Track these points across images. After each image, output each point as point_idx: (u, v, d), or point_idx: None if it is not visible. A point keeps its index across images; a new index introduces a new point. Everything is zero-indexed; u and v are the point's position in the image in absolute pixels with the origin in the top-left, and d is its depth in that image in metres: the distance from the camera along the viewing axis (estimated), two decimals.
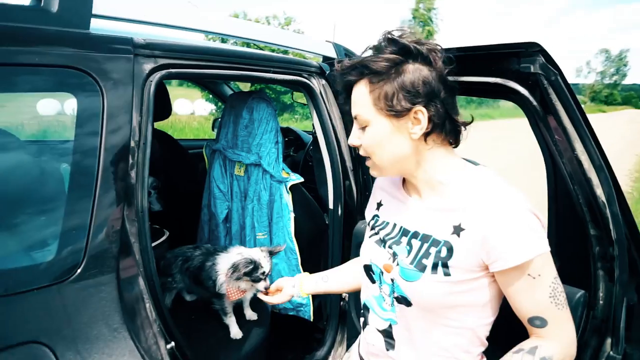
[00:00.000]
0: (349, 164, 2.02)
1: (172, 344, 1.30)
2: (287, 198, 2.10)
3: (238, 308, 2.06)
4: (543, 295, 0.91)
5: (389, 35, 0.95)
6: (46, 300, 1.02)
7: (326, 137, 1.97)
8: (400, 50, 0.92)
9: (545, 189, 1.29)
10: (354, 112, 1.00)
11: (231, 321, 1.95)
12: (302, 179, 2.13)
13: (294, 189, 2.12)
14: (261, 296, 1.51)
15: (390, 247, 1.05)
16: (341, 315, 2.11)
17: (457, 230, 0.93)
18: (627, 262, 1.08)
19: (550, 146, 1.11)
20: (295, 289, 1.44)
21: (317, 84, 1.95)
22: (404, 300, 1.00)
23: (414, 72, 0.92)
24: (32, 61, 1.10)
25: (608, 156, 1.07)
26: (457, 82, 0.99)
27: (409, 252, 1.00)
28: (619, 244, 1.06)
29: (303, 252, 2.14)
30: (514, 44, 1.07)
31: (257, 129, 2.11)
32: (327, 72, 1.97)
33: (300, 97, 3.23)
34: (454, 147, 1.02)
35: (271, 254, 1.80)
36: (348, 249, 1.98)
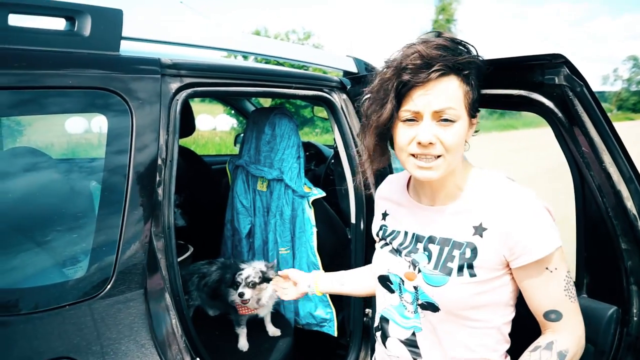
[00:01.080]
0: (370, 178, 2.02)
1: (198, 359, 1.31)
2: (310, 213, 2.10)
3: (261, 323, 2.06)
4: (559, 288, 0.95)
5: (469, 44, 0.97)
6: (77, 316, 1.05)
7: (347, 151, 1.97)
8: (474, 54, 0.96)
9: (569, 200, 1.27)
10: (441, 105, 0.91)
11: (242, 332, 1.98)
12: (324, 194, 2.13)
13: (316, 203, 2.13)
14: (272, 285, 1.58)
15: (407, 255, 1.06)
16: (364, 330, 2.08)
17: (479, 230, 0.96)
18: None
19: (577, 158, 1.09)
20: (310, 288, 1.45)
21: (338, 99, 1.96)
22: (430, 307, 1.00)
23: (480, 82, 0.98)
24: (65, 84, 1.14)
25: (638, 167, 1.04)
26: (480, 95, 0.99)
27: (429, 258, 1.01)
28: None
29: (326, 267, 2.13)
30: (538, 56, 1.06)
31: (279, 145, 2.13)
32: (348, 87, 1.99)
33: (320, 112, 3.26)
34: None
35: (267, 268, 1.91)
36: (371, 262, 1.97)
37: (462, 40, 0.95)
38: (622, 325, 1.13)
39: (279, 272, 1.55)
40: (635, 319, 1.10)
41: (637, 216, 1.03)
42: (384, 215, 1.20)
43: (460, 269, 0.96)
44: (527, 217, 0.92)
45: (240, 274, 1.84)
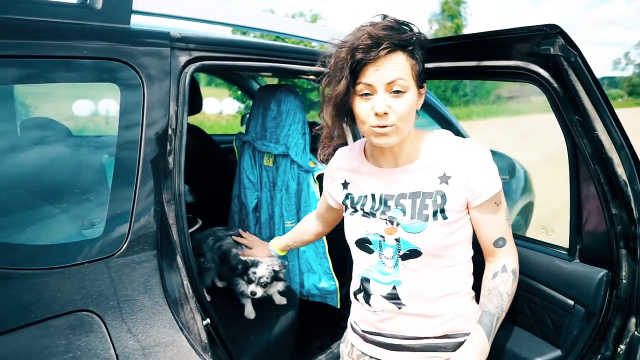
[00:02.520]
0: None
1: (208, 320, 1.38)
2: (315, 187, 2.16)
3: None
4: (503, 218, 1.16)
5: (411, 24, 1.09)
6: (95, 273, 1.12)
7: (353, 128, 2.01)
8: (417, 32, 1.08)
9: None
10: (392, 77, 1.03)
11: (247, 302, 2.03)
12: None
13: (320, 178, 2.18)
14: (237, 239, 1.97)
15: (382, 214, 1.17)
16: None
17: (444, 179, 1.12)
18: None
19: (570, 127, 1.13)
20: (273, 251, 1.82)
21: None
22: (412, 254, 1.14)
23: (423, 56, 1.10)
24: (80, 54, 1.19)
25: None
26: (478, 67, 1.04)
27: (404, 211, 1.15)
28: None
29: (331, 238, 2.19)
30: (534, 27, 1.10)
31: (284, 121, 2.17)
32: None
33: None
34: None
35: (279, 270, 1.92)
36: None
37: (404, 21, 1.08)
38: (612, 287, 1.18)
39: (242, 233, 1.97)
40: (624, 281, 1.15)
41: (627, 182, 1.08)
42: (345, 184, 1.30)
43: (435, 214, 1.11)
44: (481, 163, 1.11)
45: (255, 273, 1.86)
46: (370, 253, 1.21)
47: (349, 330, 1.39)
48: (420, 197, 1.13)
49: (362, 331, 1.28)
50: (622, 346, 1.20)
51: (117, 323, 1.11)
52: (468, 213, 1.16)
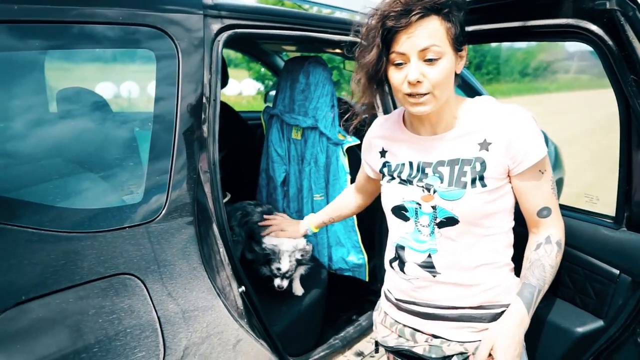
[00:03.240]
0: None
1: (243, 288, 1.40)
2: (344, 160, 2.14)
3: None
4: (548, 187, 1.12)
5: None
6: (135, 237, 1.13)
7: (383, 99, 1.97)
8: None
9: (609, 158, 1.29)
10: (424, 44, 1.00)
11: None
12: (358, 141, 2.15)
13: (349, 151, 2.16)
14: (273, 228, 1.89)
15: (419, 181, 1.16)
16: None
17: (484, 145, 1.08)
18: None
19: (624, 87, 1.07)
20: (308, 230, 1.79)
21: None
22: (449, 221, 1.12)
23: (462, 17, 1.06)
24: (116, 20, 1.19)
25: None
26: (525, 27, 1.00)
27: (442, 178, 1.12)
28: None
29: (358, 213, 2.18)
30: None
31: (313, 93, 2.15)
32: None
33: (350, 64, 3.24)
34: None
35: (302, 257, 1.90)
36: None
37: None
38: None
39: (268, 217, 1.93)
40: None
41: None
42: (383, 153, 1.29)
43: (473, 181, 1.08)
44: (523, 128, 1.06)
45: (279, 269, 1.84)
46: (407, 220, 1.20)
47: (382, 298, 1.39)
48: (458, 164, 1.11)
49: (396, 299, 1.28)
50: None
51: (157, 287, 1.13)
52: (510, 182, 1.12)
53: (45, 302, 0.97)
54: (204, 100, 1.34)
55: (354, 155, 2.22)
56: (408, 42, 1.01)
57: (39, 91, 1.16)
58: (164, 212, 1.19)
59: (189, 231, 1.24)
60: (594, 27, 1.06)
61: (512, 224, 1.18)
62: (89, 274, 1.03)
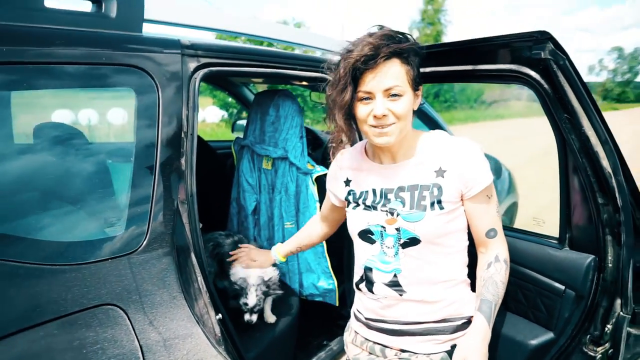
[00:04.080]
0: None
1: (220, 315, 1.44)
2: (313, 189, 2.23)
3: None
4: (494, 210, 1.26)
5: (407, 34, 1.19)
6: (118, 268, 1.17)
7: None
8: (413, 41, 1.18)
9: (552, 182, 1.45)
10: (388, 84, 1.14)
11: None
12: (326, 170, 2.26)
13: (318, 180, 2.26)
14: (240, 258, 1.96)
15: (383, 206, 1.27)
16: None
17: (440, 172, 1.21)
18: (632, 227, 1.20)
19: (559, 124, 1.23)
20: (276, 259, 1.87)
21: None
22: (412, 242, 1.23)
23: (418, 62, 1.19)
24: (98, 60, 1.25)
25: (628, 152, 1.21)
26: (474, 70, 1.14)
27: (403, 203, 1.24)
28: (624, 211, 1.18)
29: (328, 239, 2.27)
30: (526, 33, 1.21)
31: (283, 125, 2.25)
32: None
33: (317, 97, 3.37)
34: None
35: (268, 288, 1.92)
36: None
37: (399, 31, 1.18)
38: (599, 272, 1.29)
39: (235, 253, 1.98)
40: (610, 265, 1.26)
41: (611, 174, 1.18)
42: (347, 182, 1.39)
43: (432, 204, 1.20)
44: (473, 158, 1.20)
45: (246, 304, 1.86)
46: (372, 243, 1.30)
47: (352, 319, 1.48)
48: (418, 189, 1.22)
49: (366, 319, 1.37)
50: (609, 326, 1.31)
51: (139, 316, 1.16)
52: (463, 204, 1.25)
53: (29, 336, 0.99)
54: (182, 134, 1.40)
55: (323, 184, 2.32)
56: (374, 82, 1.14)
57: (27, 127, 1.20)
58: (145, 242, 1.24)
59: (168, 261, 1.29)
60: (532, 73, 1.23)
61: (467, 242, 1.30)
62: (73, 305, 1.06)
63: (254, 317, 1.90)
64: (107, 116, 1.46)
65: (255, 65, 1.75)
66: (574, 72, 1.16)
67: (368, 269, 1.32)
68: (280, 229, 2.35)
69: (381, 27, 1.20)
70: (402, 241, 1.24)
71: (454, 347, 1.25)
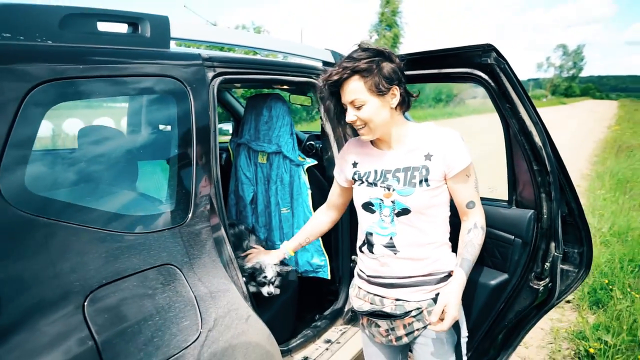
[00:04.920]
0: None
1: (244, 278, 1.76)
2: (305, 178, 2.57)
3: None
4: (472, 186, 1.52)
5: (366, 45, 1.47)
6: (173, 236, 1.47)
7: (333, 127, 2.46)
8: (376, 54, 1.44)
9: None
10: (350, 98, 1.44)
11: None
12: (315, 162, 2.61)
13: (308, 170, 2.60)
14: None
15: (382, 183, 1.54)
16: (352, 275, 2.57)
17: (428, 157, 1.48)
18: (558, 185, 1.62)
19: (504, 112, 1.64)
20: (286, 254, 2.03)
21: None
22: (404, 212, 1.50)
23: (386, 66, 1.43)
24: (143, 72, 1.55)
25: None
26: (440, 73, 1.52)
27: (398, 181, 1.51)
28: (552, 174, 1.60)
29: None
30: (477, 45, 1.61)
31: (275, 124, 2.58)
32: None
33: (296, 99, 3.71)
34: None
35: (281, 271, 2.23)
36: (354, 214, 2.47)
37: (369, 47, 1.46)
38: (537, 222, 1.70)
39: (253, 246, 2.25)
40: (545, 216, 1.68)
41: (542, 146, 1.60)
42: (355, 164, 1.66)
43: (421, 182, 1.47)
44: (454, 144, 1.47)
45: (265, 277, 2.15)
46: (372, 213, 1.58)
47: (355, 278, 1.77)
48: (410, 170, 1.49)
49: (367, 276, 1.65)
50: (547, 264, 1.72)
51: (191, 274, 1.47)
52: (446, 182, 1.52)
53: (118, 285, 1.28)
54: (210, 131, 1.72)
55: (312, 174, 2.67)
56: (343, 97, 1.47)
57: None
58: (189, 217, 1.55)
59: (207, 232, 1.60)
60: (482, 75, 1.63)
61: (449, 213, 1.58)
62: (145, 264, 1.36)
63: (272, 289, 2.19)
64: (154, 118, 1.75)
65: (257, 73, 2.08)
66: (512, 73, 1.57)
67: (369, 234, 1.59)
68: (277, 215, 2.68)
69: (359, 46, 1.48)
70: (396, 211, 1.51)
71: (437, 295, 1.53)
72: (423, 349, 1.59)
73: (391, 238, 1.54)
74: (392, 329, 1.62)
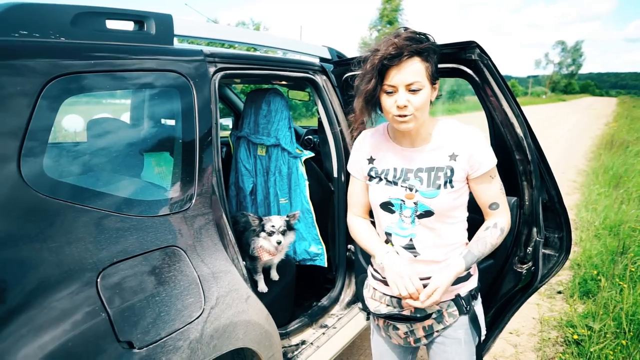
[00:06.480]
0: (348, 140, 2.62)
1: (243, 262, 1.86)
2: (302, 169, 2.68)
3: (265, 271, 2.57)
4: (497, 188, 1.46)
5: (427, 35, 1.36)
6: (178, 221, 1.58)
7: (330, 120, 2.56)
8: (432, 42, 1.35)
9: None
10: (410, 80, 1.29)
11: (260, 278, 2.45)
12: (312, 154, 2.72)
13: (305, 162, 2.71)
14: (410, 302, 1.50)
15: (403, 182, 1.44)
16: (348, 263, 2.68)
17: (453, 157, 1.40)
18: (538, 174, 1.72)
19: (488, 105, 1.75)
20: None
21: (321, 79, 2.53)
22: (427, 214, 1.42)
23: (436, 59, 1.36)
24: (149, 67, 1.64)
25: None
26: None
27: (421, 181, 1.42)
28: (533, 163, 1.70)
29: (316, 212, 2.72)
30: (462, 42, 1.71)
31: (274, 118, 2.68)
32: (332, 69, 2.57)
33: (295, 95, 3.81)
34: None
35: (288, 217, 2.36)
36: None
37: (421, 32, 1.35)
38: (520, 208, 1.81)
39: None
40: (527, 203, 1.78)
41: (523, 137, 1.70)
42: (370, 160, 1.55)
43: (445, 184, 1.39)
44: (480, 144, 1.39)
45: (273, 225, 2.25)
46: (392, 213, 1.48)
47: (369, 278, 1.68)
48: (434, 171, 1.41)
49: (383, 277, 1.54)
50: (529, 248, 1.83)
51: (194, 255, 1.57)
52: (467, 183, 1.44)
53: (127, 263, 1.38)
54: (212, 123, 1.82)
55: (309, 166, 2.78)
56: (398, 77, 1.29)
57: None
58: (193, 203, 1.65)
59: (209, 217, 1.70)
60: (468, 70, 1.73)
61: (467, 214, 1.50)
62: (151, 245, 1.46)
63: (281, 238, 2.29)
64: (159, 111, 1.86)
65: (257, 68, 2.18)
66: (495, 68, 1.67)
67: (388, 234, 1.52)
68: (275, 205, 2.78)
69: (406, 29, 1.36)
70: (418, 213, 1.42)
71: (457, 295, 1.49)
72: (440, 348, 1.56)
73: (411, 239, 1.48)
74: (412, 332, 1.56)
